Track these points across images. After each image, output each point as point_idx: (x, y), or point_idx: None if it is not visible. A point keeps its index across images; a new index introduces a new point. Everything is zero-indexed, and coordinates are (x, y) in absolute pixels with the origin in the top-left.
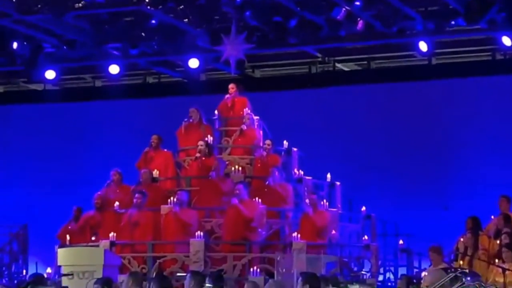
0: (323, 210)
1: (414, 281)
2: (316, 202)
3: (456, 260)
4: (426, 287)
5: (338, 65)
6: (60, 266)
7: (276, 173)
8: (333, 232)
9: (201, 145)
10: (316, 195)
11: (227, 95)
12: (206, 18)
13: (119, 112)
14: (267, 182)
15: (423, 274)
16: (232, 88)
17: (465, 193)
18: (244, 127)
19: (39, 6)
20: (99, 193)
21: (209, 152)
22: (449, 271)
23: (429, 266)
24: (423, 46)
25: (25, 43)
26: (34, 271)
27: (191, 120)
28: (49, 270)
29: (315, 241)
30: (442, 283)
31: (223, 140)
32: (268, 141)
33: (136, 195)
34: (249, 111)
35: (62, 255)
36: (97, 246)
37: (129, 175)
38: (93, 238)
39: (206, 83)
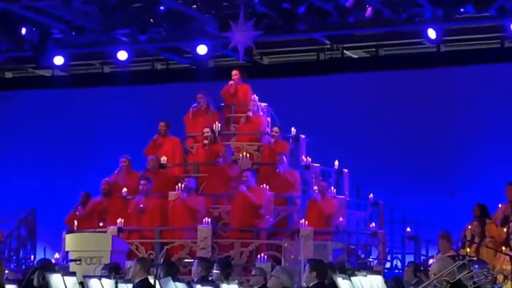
0: (331, 197)
1: (421, 268)
2: (325, 189)
3: (464, 247)
4: (433, 274)
5: (347, 52)
6: (67, 252)
7: (285, 160)
8: (341, 219)
9: (207, 132)
10: (329, 182)
11: (231, 82)
12: (215, 5)
13: (127, 98)
14: (277, 170)
15: (430, 261)
16: (236, 75)
17: (473, 181)
18: (250, 114)
19: None
20: (106, 179)
21: (215, 138)
22: (456, 258)
23: (437, 253)
24: (431, 33)
25: (33, 28)
26: (42, 256)
27: (198, 106)
28: (57, 255)
29: (323, 228)
30: (450, 270)
31: (230, 126)
32: (275, 128)
33: (141, 181)
34: (255, 98)
35: (70, 240)
36: (105, 232)
37: (136, 161)
38: (100, 224)
39: (214, 69)
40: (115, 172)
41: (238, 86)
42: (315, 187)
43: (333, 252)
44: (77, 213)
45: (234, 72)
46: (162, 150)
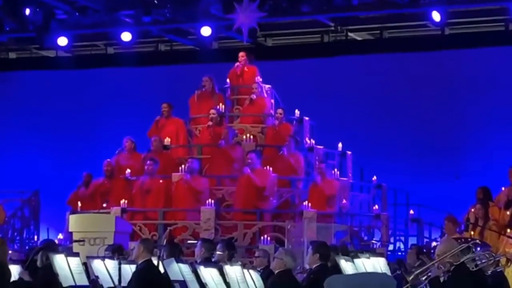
0: (332, 179)
1: (424, 250)
2: (325, 171)
3: (467, 230)
4: (437, 256)
5: (351, 34)
6: (71, 232)
7: (292, 142)
8: (344, 201)
9: (213, 114)
10: (327, 164)
11: (237, 63)
12: None
13: (130, 79)
14: (281, 152)
15: (433, 244)
16: (242, 57)
17: (476, 164)
18: (253, 96)
19: None
20: (108, 160)
21: (221, 120)
22: (459, 241)
23: (440, 235)
24: (436, 16)
25: (37, 9)
26: (45, 237)
27: (204, 89)
28: (60, 236)
29: (325, 210)
30: (454, 253)
31: (234, 108)
32: (280, 110)
33: (148, 162)
34: (260, 80)
35: (74, 221)
36: (108, 213)
37: (140, 143)
38: (104, 205)
39: (218, 51)
40: (117, 152)
41: (245, 67)
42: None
43: (336, 234)
44: (80, 193)
45: (241, 53)
46: (166, 131)
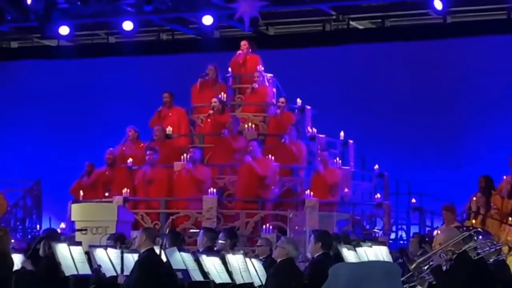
0: (334, 168)
1: (427, 239)
2: (327, 159)
3: (469, 219)
4: (439, 244)
5: (352, 23)
6: (73, 222)
7: (294, 131)
8: (346, 190)
9: (215, 102)
10: (329, 153)
11: (239, 52)
12: None
13: (132, 68)
14: (283, 140)
15: (435, 232)
16: (244, 45)
17: (478, 152)
18: (255, 85)
19: None
20: (110, 149)
21: (223, 109)
22: (461, 229)
23: (442, 224)
24: (438, 4)
25: None
26: (48, 226)
27: (207, 78)
28: (62, 225)
29: (327, 198)
30: (456, 241)
31: (236, 97)
32: (282, 99)
33: (147, 152)
34: (262, 68)
35: (76, 210)
36: (111, 202)
37: (142, 132)
38: (106, 194)
39: (220, 40)
40: (121, 142)
41: (248, 56)
42: (319, 158)
43: (338, 223)
44: (82, 183)
45: (243, 42)
46: (168, 120)
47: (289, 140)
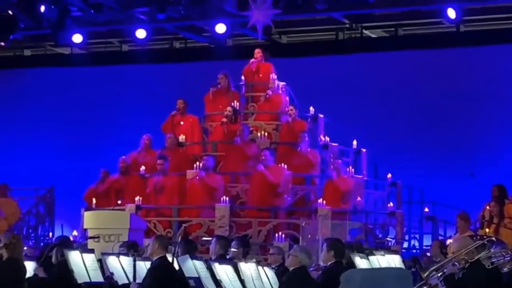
0: (347, 176)
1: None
2: (340, 167)
3: (482, 228)
4: (452, 253)
5: (366, 32)
6: (86, 229)
7: (307, 138)
8: (359, 198)
9: (229, 111)
10: (342, 161)
11: (252, 60)
12: None
13: (145, 76)
14: (299, 148)
15: (448, 241)
16: (258, 53)
17: (492, 161)
18: (269, 92)
19: None
20: (123, 157)
21: (235, 117)
22: (474, 238)
23: (455, 233)
24: (451, 13)
25: (52, 6)
26: (60, 234)
27: (219, 86)
28: (75, 233)
29: (340, 207)
30: (469, 250)
31: (249, 105)
32: (291, 107)
33: (158, 161)
34: (275, 77)
35: (88, 218)
36: (123, 209)
37: (155, 140)
38: (119, 202)
39: (233, 48)
40: (138, 150)
41: (260, 64)
42: (332, 166)
43: (350, 231)
44: (97, 190)
45: (257, 50)
46: (181, 128)
47: (303, 147)
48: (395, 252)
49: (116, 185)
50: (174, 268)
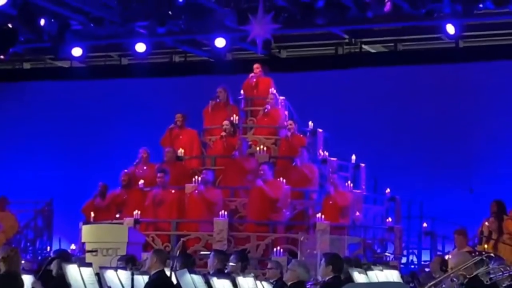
0: (345, 191)
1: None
2: (337, 182)
3: (481, 243)
4: (450, 269)
5: (365, 47)
6: (84, 243)
7: (305, 153)
8: (357, 213)
9: (226, 125)
10: (341, 176)
11: (252, 74)
12: None
13: (144, 90)
14: (294, 163)
15: (446, 257)
16: (257, 68)
17: (490, 177)
18: (268, 107)
19: None
20: (125, 171)
21: (234, 131)
22: (473, 254)
23: (453, 249)
24: (450, 28)
25: (52, 20)
26: (58, 247)
27: (218, 100)
28: (73, 246)
29: (338, 221)
30: (467, 266)
31: (248, 120)
32: (290, 121)
33: (158, 174)
34: (274, 91)
35: (87, 231)
36: (121, 223)
37: (153, 154)
38: (117, 216)
39: (232, 62)
40: (134, 164)
41: (260, 78)
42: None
43: (349, 246)
44: (95, 203)
45: (256, 65)
46: (180, 142)
47: (301, 162)
48: (393, 267)
49: (118, 199)
50: (172, 283)
